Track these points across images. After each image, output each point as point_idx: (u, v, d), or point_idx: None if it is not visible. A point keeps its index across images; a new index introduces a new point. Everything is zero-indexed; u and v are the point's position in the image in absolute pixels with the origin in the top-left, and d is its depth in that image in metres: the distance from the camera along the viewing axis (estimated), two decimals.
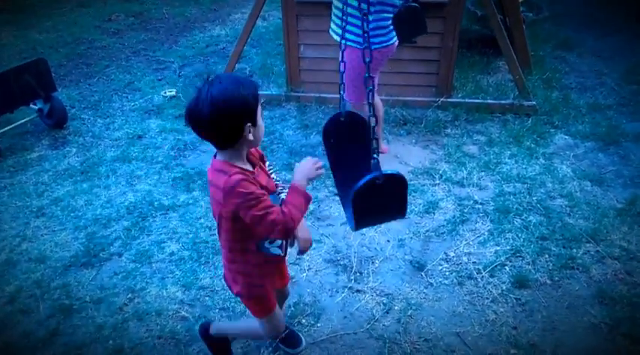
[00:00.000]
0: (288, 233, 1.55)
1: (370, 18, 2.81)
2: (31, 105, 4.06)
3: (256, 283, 1.75)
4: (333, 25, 3.05)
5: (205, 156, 3.68)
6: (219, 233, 1.69)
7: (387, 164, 3.42)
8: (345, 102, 1.60)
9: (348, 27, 2.91)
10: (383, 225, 2.90)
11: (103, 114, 4.39)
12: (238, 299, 2.43)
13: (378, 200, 1.49)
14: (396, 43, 3.01)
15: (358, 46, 2.88)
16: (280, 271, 1.92)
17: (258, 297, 1.79)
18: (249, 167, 1.59)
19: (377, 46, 2.91)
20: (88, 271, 2.68)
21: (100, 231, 2.97)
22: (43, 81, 3.95)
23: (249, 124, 1.49)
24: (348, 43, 2.93)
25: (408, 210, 2.97)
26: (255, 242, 1.66)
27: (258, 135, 1.55)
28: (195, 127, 1.49)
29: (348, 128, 1.80)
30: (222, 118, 1.44)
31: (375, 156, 1.48)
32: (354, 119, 1.82)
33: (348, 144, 1.77)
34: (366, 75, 1.57)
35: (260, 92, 4.25)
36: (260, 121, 1.55)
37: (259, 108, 1.52)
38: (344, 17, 2.92)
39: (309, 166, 1.65)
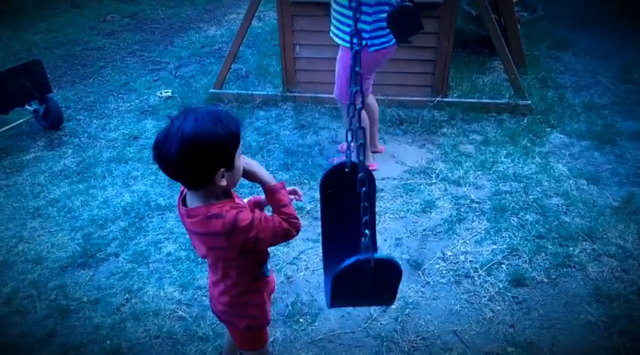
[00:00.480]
0: (298, 230, 1.48)
1: (370, 19, 2.82)
2: (27, 107, 4.04)
3: (267, 310, 1.65)
4: (332, 27, 3.05)
5: None
6: (217, 274, 1.52)
7: (384, 164, 3.43)
8: (350, 152, 1.39)
9: (342, 27, 2.93)
10: (380, 225, 2.90)
11: (99, 115, 4.38)
12: None
13: (363, 285, 1.25)
14: (395, 44, 3.01)
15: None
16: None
17: (265, 326, 1.69)
18: (227, 197, 1.45)
19: (377, 47, 2.91)
20: (84, 271, 2.68)
21: (97, 231, 2.96)
22: (38, 82, 3.94)
23: (222, 169, 1.31)
24: (342, 43, 2.94)
25: (405, 209, 3.01)
26: (260, 267, 1.57)
27: (233, 179, 1.38)
28: (161, 165, 1.31)
29: (349, 182, 1.41)
30: (192, 160, 1.26)
31: (366, 231, 1.19)
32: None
33: (348, 197, 1.42)
34: (357, 69, 1.38)
35: (256, 92, 4.26)
36: (238, 164, 1.37)
37: (239, 149, 1.35)
38: (337, 17, 2.93)
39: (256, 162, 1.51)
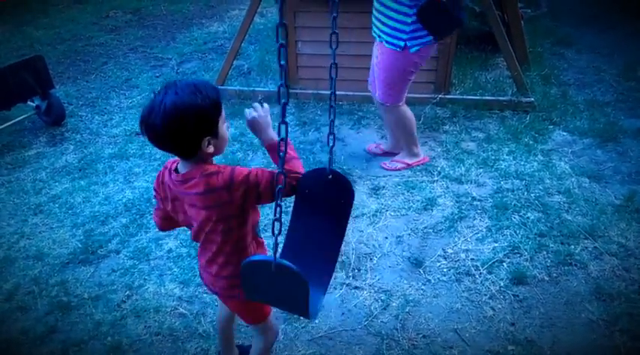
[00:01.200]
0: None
1: (409, 20, 2.76)
2: (29, 103, 4.05)
3: None
4: (374, 26, 3.00)
5: None
6: (212, 248, 1.54)
7: (386, 160, 3.42)
8: (332, 157, 1.36)
9: (387, 29, 2.88)
10: (381, 222, 2.90)
11: (101, 111, 4.38)
12: None
13: (270, 286, 1.26)
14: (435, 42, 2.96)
15: (398, 49, 2.86)
16: None
17: None
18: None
19: (417, 47, 2.87)
20: (85, 268, 2.68)
21: (98, 228, 2.96)
22: (40, 78, 3.94)
23: (207, 137, 1.37)
24: (387, 45, 2.89)
25: (406, 207, 3.01)
26: (255, 227, 1.59)
27: (220, 146, 1.44)
28: (149, 138, 1.38)
29: (329, 189, 1.40)
30: (176, 131, 1.32)
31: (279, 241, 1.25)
32: (339, 182, 1.39)
33: (321, 206, 1.42)
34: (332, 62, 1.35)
35: (258, 89, 4.26)
36: (223, 131, 1.43)
37: (221, 117, 1.41)
38: (380, 13, 2.86)
39: (265, 118, 1.53)
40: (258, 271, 1.26)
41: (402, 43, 2.85)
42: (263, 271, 1.24)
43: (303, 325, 2.30)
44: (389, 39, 2.88)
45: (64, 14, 7.01)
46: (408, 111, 3.22)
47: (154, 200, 1.49)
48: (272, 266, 1.21)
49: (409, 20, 2.78)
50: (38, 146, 3.88)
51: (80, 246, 2.82)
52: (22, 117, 4.04)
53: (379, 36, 2.96)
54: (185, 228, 2.93)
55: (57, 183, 3.40)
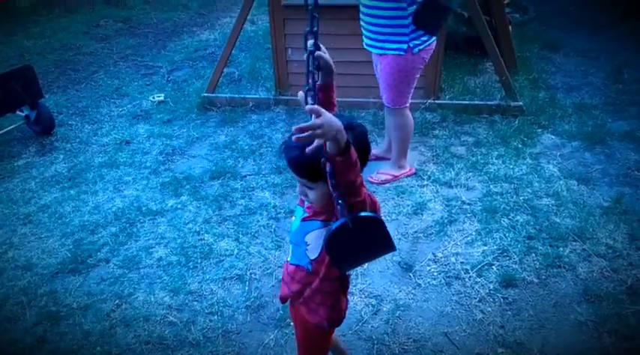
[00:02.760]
0: None
1: (407, 21, 2.78)
2: (18, 112, 4.04)
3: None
4: (365, 39, 3.02)
5: (194, 160, 3.68)
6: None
7: (377, 166, 3.43)
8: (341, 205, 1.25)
9: (385, 37, 2.89)
10: None
11: (91, 120, 4.38)
12: (227, 303, 2.45)
13: (356, 244, 1.29)
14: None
15: (402, 53, 2.88)
16: None
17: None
18: None
19: (421, 46, 2.89)
20: (75, 278, 2.67)
21: (88, 237, 2.95)
22: (29, 88, 3.93)
23: None
24: (389, 52, 2.91)
25: (396, 212, 3.02)
26: None
27: None
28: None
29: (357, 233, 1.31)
30: None
31: (339, 201, 1.20)
32: (363, 223, 1.31)
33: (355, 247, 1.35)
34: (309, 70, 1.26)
35: (248, 96, 4.28)
36: None
37: None
38: (369, 25, 2.87)
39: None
40: (340, 238, 1.25)
41: (405, 46, 2.86)
42: (343, 235, 1.24)
43: (293, 331, 2.29)
44: (390, 45, 2.88)
45: (54, 23, 7.01)
46: (410, 116, 3.24)
47: None
48: (348, 223, 1.22)
49: (407, 22, 2.80)
50: (27, 156, 3.87)
51: (69, 255, 2.80)
52: (11, 127, 4.03)
53: (378, 47, 2.95)
54: (174, 236, 2.93)
55: (46, 193, 3.39)
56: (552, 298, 2.42)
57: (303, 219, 1.47)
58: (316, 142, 1.12)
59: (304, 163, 1.29)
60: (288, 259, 1.58)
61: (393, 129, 3.28)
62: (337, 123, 1.11)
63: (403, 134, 3.26)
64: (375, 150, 3.60)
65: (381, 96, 3.20)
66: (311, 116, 1.10)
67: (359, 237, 1.27)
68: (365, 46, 3.07)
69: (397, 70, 2.96)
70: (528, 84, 4.52)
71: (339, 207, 1.21)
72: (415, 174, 3.37)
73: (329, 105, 1.51)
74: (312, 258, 1.47)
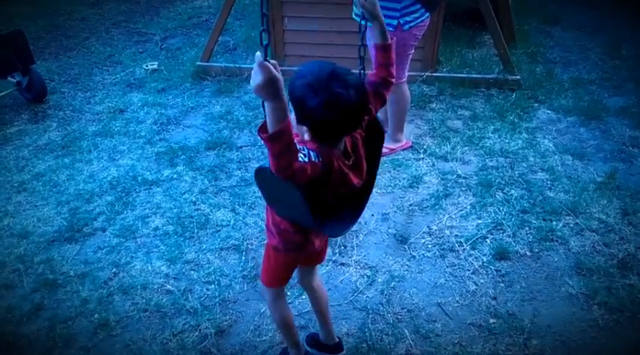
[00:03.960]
0: None
1: None
2: (9, 79, 3.97)
3: None
4: (355, 8, 2.94)
5: (189, 130, 3.65)
6: None
7: None
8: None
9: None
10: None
11: (84, 88, 4.31)
12: (224, 272, 2.47)
13: (275, 190, 1.40)
14: (429, 16, 2.96)
15: (391, 29, 2.81)
16: None
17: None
18: None
19: (411, 24, 2.87)
20: (71, 246, 2.67)
21: (83, 206, 2.94)
22: (20, 53, 3.85)
23: None
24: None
25: (392, 185, 3.03)
26: None
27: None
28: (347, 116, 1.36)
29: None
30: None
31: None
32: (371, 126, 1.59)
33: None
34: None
35: (244, 66, 4.22)
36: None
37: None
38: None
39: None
40: (264, 178, 1.39)
41: (394, 22, 2.83)
42: (267, 178, 1.36)
43: (289, 301, 2.33)
44: (385, 19, 2.83)
45: None
46: (407, 91, 3.22)
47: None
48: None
49: None
50: (20, 123, 3.82)
51: (65, 224, 2.80)
52: (2, 94, 3.96)
53: (366, 20, 2.89)
54: (171, 206, 2.93)
55: (40, 161, 3.36)
56: (544, 271, 2.46)
57: None
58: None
59: (294, 99, 1.37)
60: None
61: (389, 103, 3.25)
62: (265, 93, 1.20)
63: (399, 108, 3.24)
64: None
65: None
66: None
67: (275, 186, 1.36)
68: (353, 16, 3.02)
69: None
70: (526, 58, 4.49)
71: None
72: (411, 147, 3.37)
73: (385, 74, 1.60)
74: None
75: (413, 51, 3.06)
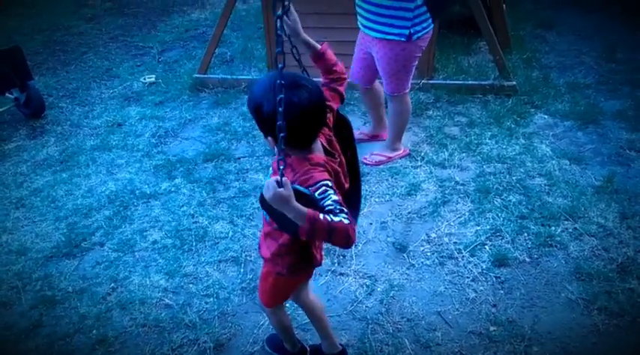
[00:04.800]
0: None
1: (412, 5, 2.71)
2: (7, 95, 3.98)
3: None
4: (364, 20, 2.92)
5: (187, 143, 3.66)
6: None
7: (370, 147, 3.42)
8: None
9: (387, 20, 2.80)
10: (365, 208, 2.92)
11: (82, 102, 4.33)
12: (222, 285, 2.46)
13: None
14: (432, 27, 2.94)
15: (403, 39, 2.80)
16: None
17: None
18: None
19: (420, 34, 2.84)
20: (69, 261, 2.67)
21: (81, 220, 2.94)
22: (18, 69, 3.87)
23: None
24: (389, 37, 2.82)
25: (390, 193, 3.03)
26: None
27: None
28: (321, 120, 1.45)
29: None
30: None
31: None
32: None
33: None
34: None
35: (241, 77, 4.23)
36: None
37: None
38: (371, 7, 2.80)
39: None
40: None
41: (406, 31, 2.78)
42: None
43: (289, 312, 2.31)
44: (391, 30, 2.80)
45: (41, 3, 6.85)
46: (409, 102, 3.21)
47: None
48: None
49: (412, 6, 2.72)
50: (18, 139, 3.83)
51: (63, 239, 2.80)
52: (0, 110, 3.97)
53: (378, 31, 2.85)
54: (169, 219, 2.93)
55: (38, 177, 3.36)
56: (544, 277, 2.45)
57: (270, 176, 1.48)
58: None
59: (251, 108, 1.40)
60: None
61: (392, 114, 3.26)
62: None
63: (402, 119, 3.25)
64: (365, 131, 3.59)
65: (361, 81, 3.20)
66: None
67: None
68: (361, 28, 3.00)
69: (395, 59, 2.90)
70: (522, 63, 4.50)
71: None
72: (409, 155, 3.37)
73: (333, 74, 1.64)
74: None
75: (417, 63, 3.04)
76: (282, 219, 1.30)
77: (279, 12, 1.28)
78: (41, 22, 6.17)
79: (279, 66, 1.21)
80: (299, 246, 1.58)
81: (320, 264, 1.73)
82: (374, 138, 3.55)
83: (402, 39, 2.81)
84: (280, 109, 1.19)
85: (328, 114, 1.53)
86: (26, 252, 2.73)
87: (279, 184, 1.24)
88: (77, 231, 2.86)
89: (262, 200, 1.30)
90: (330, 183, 1.35)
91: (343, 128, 1.65)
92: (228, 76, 4.41)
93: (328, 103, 1.54)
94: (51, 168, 3.44)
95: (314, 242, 1.63)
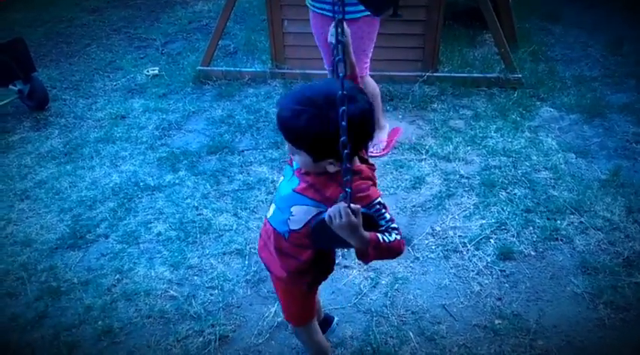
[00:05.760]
0: None
1: None
2: (11, 87, 3.97)
3: None
4: (325, 5, 2.90)
5: (190, 135, 3.65)
6: None
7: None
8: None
9: None
10: None
11: (85, 95, 4.32)
12: (227, 277, 2.47)
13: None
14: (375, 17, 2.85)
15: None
16: None
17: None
18: None
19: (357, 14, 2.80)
20: (74, 253, 2.67)
21: (86, 212, 2.94)
22: (21, 61, 3.86)
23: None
24: (362, 14, 2.78)
25: (395, 186, 3.02)
26: None
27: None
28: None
29: None
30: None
31: (347, 189, 1.20)
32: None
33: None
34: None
35: (244, 69, 4.20)
36: None
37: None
38: None
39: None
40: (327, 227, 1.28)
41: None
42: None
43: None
44: (360, 7, 2.68)
45: None
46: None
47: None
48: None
49: None
50: (22, 131, 3.83)
51: (68, 231, 2.80)
52: (4, 102, 3.96)
53: (351, 12, 2.77)
54: (173, 211, 2.93)
55: (42, 168, 3.36)
56: (549, 270, 2.44)
57: (296, 190, 1.42)
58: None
59: (289, 128, 1.27)
60: (268, 217, 1.56)
61: (372, 98, 3.24)
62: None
63: (378, 97, 3.25)
64: None
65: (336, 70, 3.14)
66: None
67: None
68: (323, 13, 2.93)
69: (373, 33, 2.92)
70: (527, 56, 4.47)
71: (341, 195, 1.22)
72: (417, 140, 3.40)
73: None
74: (293, 228, 1.46)
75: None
76: (331, 243, 1.28)
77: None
78: (44, 14, 6.15)
79: (340, 75, 1.11)
80: (320, 259, 1.54)
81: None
82: None
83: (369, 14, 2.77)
84: (344, 124, 1.09)
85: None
86: (31, 244, 2.73)
87: (352, 211, 1.19)
88: (82, 222, 2.86)
89: (320, 227, 1.26)
90: (382, 201, 1.34)
91: None
92: (232, 68, 4.39)
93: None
94: (55, 160, 3.44)
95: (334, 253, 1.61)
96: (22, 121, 3.94)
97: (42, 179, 3.25)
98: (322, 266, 1.60)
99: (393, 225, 1.33)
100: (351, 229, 1.21)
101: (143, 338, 2.20)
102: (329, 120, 1.18)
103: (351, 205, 1.20)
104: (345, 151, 1.12)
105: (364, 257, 1.32)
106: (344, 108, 1.09)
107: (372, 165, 1.46)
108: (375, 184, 1.38)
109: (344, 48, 1.32)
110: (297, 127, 1.24)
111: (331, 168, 1.32)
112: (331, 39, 1.47)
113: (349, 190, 1.18)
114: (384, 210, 1.33)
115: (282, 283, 1.66)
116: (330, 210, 1.23)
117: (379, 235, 1.28)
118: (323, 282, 1.72)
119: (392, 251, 1.32)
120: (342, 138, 1.11)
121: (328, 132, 1.18)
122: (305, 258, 1.50)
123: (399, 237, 1.31)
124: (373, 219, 1.30)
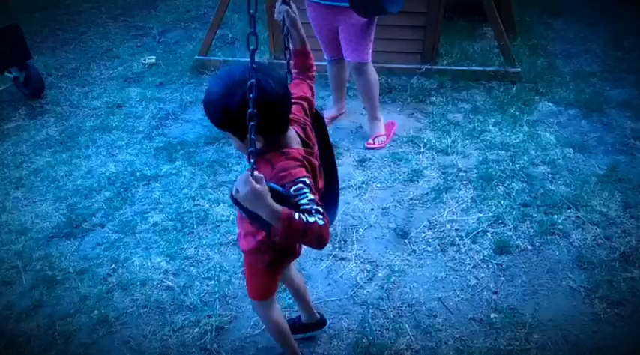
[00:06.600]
0: None
1: None
2: (6, 74, 3.93)
3: None
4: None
5: (187, 125, 3.63)
6: None
7: (361, 133, 3.40)
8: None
9: None
10: (367, 194, 2.90)
11: (81, 83, 4.28)
12: (223, 268, 2.46)
13: None
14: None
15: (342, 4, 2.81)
16: None
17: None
18: None
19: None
20: (70, 242, 2.66)
21: (82, 201, 2.93)
22: (17, 48, 3.81)
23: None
24: (342, 4, 2.82)
25: (393, 179, 3.01)
26: None
27: None
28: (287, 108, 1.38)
29: None
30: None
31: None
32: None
33: None
34: None
35: (243, 59, 4.18)
36: None
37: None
38: None
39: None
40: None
41: None
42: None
43: (289, 296, 2.31)
44: None
45: None
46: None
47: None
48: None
49: None
50: (18, 118, 3.79)
51: (64, 219, 2.78)
52: (0, 89, 3.94)
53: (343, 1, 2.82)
54: (170, 201, 2.91)
55: (38, 157, 3.34)
56: (545, 265, 2.45)
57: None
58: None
59: (205, 109, 1.32)
60: None
61: (369, 86, 3.22)
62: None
63: (376, 89, 3.24)
64: (327, 114, 3.51)
65: (345, 55, 3.12)
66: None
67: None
68: (321, 3, 2.95)
69: (351, 23, 2.92)
70: (527, 50, 4.46)
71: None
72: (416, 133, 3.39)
73: (305, 73, 1.65)
74: None
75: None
76: (256, 216, 1.22)
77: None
78: (40, 1, 6.08)
79: (252, 48, 1.18)
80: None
81: (299, 255, 1.72)
82: (336, 118, 3.56)
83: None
84: (251, 96, 1.13)
85: (303, 102, 1.53)
86: (26, 232, 2.72)
87: (254, 179, 1.16)
88: (77, 211, 2.84)
89: (235, 200, 1.22)
90: (307, 181, 1.27)
91: (316, 122, 1.60)
92: (230, 58, 4.36)
93: (304, 93, 1.56)
94: (51, 149, 3.41)
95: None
96: (17, 109, 3.91)
97: (37, 167, 3.23)
98: (282, 248, 1.59)
99: (318, 209, 1.24)
100: (256, 198, 1.16)
101: (139, 328, 2.20)
102: (236, 95, 1.23)
103: (254, 173, 1.18)
104: (251, 123, 1.16)
105: (274, 231, 1.21)
106: (252, 80, 1.13)
107: (311, 148, 1.43)
108: (305, 167, 1.32)
109: (292, 23, 1.53)
110: (211, 106, 1.29)
111: (257, 145, 1.27)
112: (278, 16, 1.56)
113: (253, 160, 1.19)
114: (306, 190, 1.25)
115: (245, 258, 1.72)
116: (235, 182, 1.21)
117: (296, 213, 1.20)
118: (291, 263, 1.81)
119: (310, 234, 1.20)
120: (249, 110, 1.15)
121: (235, 107, 1.23)
122: (260, 238, 1.53)
123: (321, 223, 1.20)
124: (286, 195, 1.24)
